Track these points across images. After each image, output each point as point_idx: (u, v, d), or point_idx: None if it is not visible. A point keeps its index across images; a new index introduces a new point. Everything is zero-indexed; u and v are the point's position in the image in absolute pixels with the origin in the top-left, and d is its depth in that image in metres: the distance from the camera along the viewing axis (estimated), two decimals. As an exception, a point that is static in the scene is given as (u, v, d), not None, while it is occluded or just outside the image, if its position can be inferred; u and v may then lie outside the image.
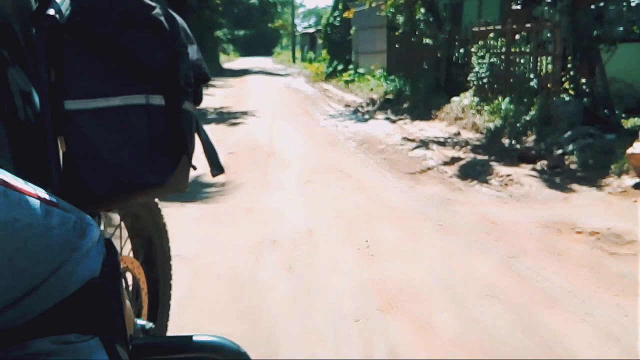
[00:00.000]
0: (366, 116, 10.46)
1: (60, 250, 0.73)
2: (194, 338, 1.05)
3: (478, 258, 3.45)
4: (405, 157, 6.64)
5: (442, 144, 7.29)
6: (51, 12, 0.94)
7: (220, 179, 5.45)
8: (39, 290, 0.69)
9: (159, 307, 1.78)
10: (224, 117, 10.58)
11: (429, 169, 6.00)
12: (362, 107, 11.80)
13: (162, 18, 1.03)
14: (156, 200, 1.69)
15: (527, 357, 2.34)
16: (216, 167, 1.16)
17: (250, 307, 2.79)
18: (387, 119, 9.95)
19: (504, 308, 2.78)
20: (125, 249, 1.63)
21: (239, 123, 9.78)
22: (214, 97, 14.03)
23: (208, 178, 5.43)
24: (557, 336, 2.50)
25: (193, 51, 1.11)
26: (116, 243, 1.50)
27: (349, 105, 12.19)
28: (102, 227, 1.19)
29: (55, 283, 0.71)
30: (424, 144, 7.32)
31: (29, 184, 0.72)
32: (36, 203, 0.69)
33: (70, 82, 0.95)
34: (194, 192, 4.94)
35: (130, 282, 1.57)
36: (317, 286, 3.06)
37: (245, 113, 10.96)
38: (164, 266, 1.78)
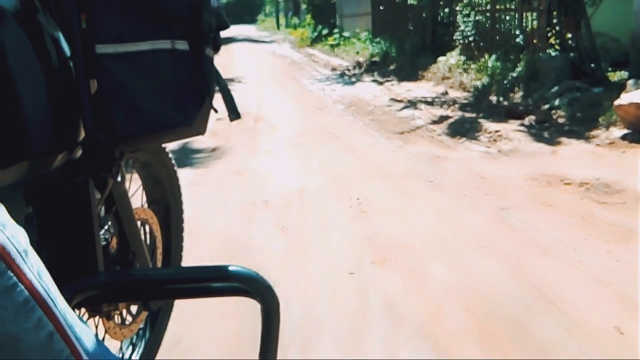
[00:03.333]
0: (353, 79, 10.40)
1: None
2: (221, 268, 1.08)
3: (469, 212, 3.48)
4: (393, 118, 6.63)
5: (430, 103, 7.28)
6: None
7: (209, 144, 5.43)
8: None
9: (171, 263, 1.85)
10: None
11: (417, 128, 6.00)
12: (348, 70, 11.72)
13: None
14: (175, 167, 1.77)
15: (519, 303, 2.37)
16: (234, 112, 1.21)
17: (245, 265, 2.79)
18: (374, 81, 9.90)
19: (495, 258, 2.81)
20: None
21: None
22: (198, 65, 13.83)
23: (198, 144, 5.41)
24: (549, 283, 2.54)
25: None
26: (136, 200, 1.57)
27: (335, 69, 12.10)
28: (120, 179, 1.24)
29: None
30: (412, 104, 7.30)
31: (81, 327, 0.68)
32: None
33: (100, 27, 0.98)
34: (184, 158, 4.91)
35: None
36: (311, 243, 3.07)
37: (231, 80, 10.84)
38: (177, 228, 1.85)
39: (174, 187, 1.79)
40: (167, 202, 1.79)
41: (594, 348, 2.01)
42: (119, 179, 1.22)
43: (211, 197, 3.93)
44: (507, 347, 2.03)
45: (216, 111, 1.19)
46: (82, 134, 1.04)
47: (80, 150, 1.09)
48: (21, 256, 0.58)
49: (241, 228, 3.33)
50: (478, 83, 7.68)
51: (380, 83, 9.57)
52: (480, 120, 6.02)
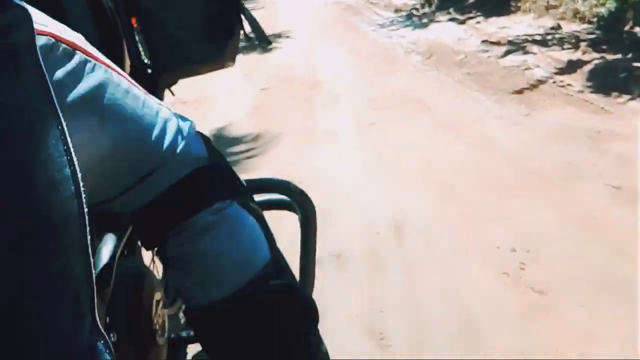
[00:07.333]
0: (424, 20, 8.53)
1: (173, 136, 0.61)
2: (255, 180, 1.03)
3: None
4: (496, 69, 4.83)
5: (542, 43, 5.39)
6: None
7: (251, 128, 3.93)
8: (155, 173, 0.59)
9: None
10: (252, 44, 8.86)
11: (539, 82, 4.20)
12: (416, 9, 9.79)
13: None
14: None
15: None
16: (264, 40, 1.18)
17: None
18: (453, 19, 8.00)
19: None
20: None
21: (270, 49, 8.04)
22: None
23: (237, 130, 3.97)
24: None
25: None
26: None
27: (400, 10, 10.17)
28: None
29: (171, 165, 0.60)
30: (517, 46, 5.43)
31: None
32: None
33: None
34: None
35: None
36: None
37: (278, 36, 9.18)
38: None
39: None
40: None
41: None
42: None
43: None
44: None
45: (247, 37, 1.13)
46: None
47: None
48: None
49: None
50: (602, 10, 5.71)
51: (462, 22, 7.66)
52: (637, 63, 4.14)
